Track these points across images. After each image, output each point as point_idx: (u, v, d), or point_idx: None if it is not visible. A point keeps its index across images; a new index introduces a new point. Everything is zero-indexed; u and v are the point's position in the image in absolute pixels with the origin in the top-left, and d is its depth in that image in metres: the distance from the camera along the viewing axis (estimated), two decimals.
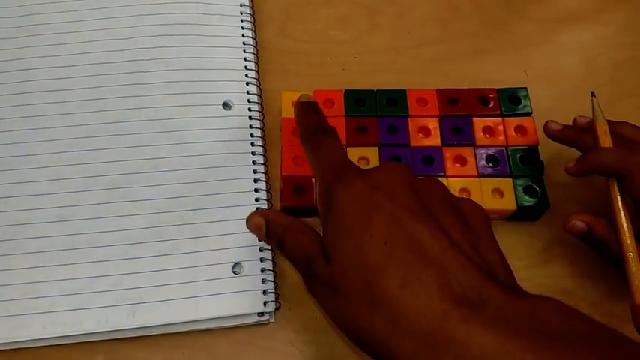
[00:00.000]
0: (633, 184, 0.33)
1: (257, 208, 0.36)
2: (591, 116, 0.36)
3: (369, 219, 0.25)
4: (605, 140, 0.34)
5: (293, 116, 0.38)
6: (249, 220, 0.32)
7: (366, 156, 0.38)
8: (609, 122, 0.35)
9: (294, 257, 0.29)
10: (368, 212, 0.26)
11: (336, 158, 0.30)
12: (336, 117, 0.39)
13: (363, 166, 0.37)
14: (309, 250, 0.28)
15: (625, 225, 0.33)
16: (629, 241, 0.32)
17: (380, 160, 0.38)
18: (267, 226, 0.31)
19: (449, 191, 0.28)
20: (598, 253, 0.34)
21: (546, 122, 0.38)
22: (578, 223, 0.34)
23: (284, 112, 0.39)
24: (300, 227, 0.30)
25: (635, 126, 0.36)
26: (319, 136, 0.31)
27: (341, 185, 0.27)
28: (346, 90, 0.39)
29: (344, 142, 0.38)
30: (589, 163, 0.34)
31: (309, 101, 0.35)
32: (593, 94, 0.36)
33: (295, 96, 0.39)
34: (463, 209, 0.28)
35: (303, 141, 0.33)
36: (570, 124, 0.41)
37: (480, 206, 0.28)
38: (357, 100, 0.39)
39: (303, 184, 0.36)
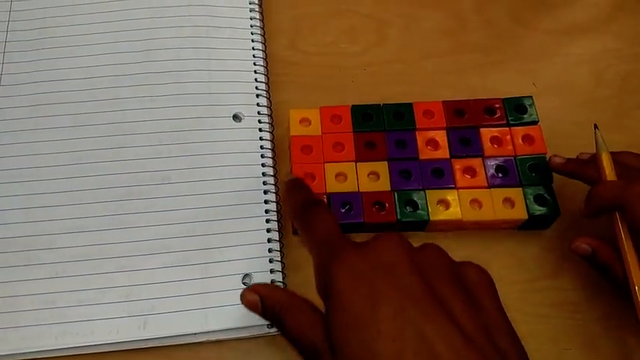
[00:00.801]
0: (631, 216, 0.32)
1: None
2: (594, 148, 0.36)
3: (375, 311, 0.24)
4: (609, 172, 0.34)
5: (302, 134, 0.38)
6: (242, 297, 0.30)
7: (375, 171, 0.38)
8: (612, 153, 0.35)
9: (297, 341, 0.28)
10: (372, 302, 0.24)
11: (329, 232, 0.29)
12: (344, 133, 0.39)
13: (373, 181, 0.38)
14: (312, 336, 0.27)
15: (631, 257, 0.32)
16: (634, 274, 0.32)
17: (390, 176, 0.38)
18: (263, 304, 0.29)
19: (449, 258, 0.28)
20: (602, 275, 0.34)
21: (550, 157, 0.38)
22: (583, 246, 0.34)
23: (292, 130, 0.39)
24: (299, 306, 0.28)
25: (638, 154, 0.35)
26: (308, 210, 0.31)
27: (338, 265, 0.26)
28: (353, 105, 0.40)
29: (353, 157, 0.38)
30: (593, 201, 0.34)
31: (293, 178, 0.35)
32: (595, 126, 0.36)
33: (303, 114, 0.39)
34: (467, 279, 0.27)
35: (294, 220, 0.32)
36: (579, 135, 0.41)
37: (484, 271, 0.28)
38: (364, 115, 0.39)
39: None
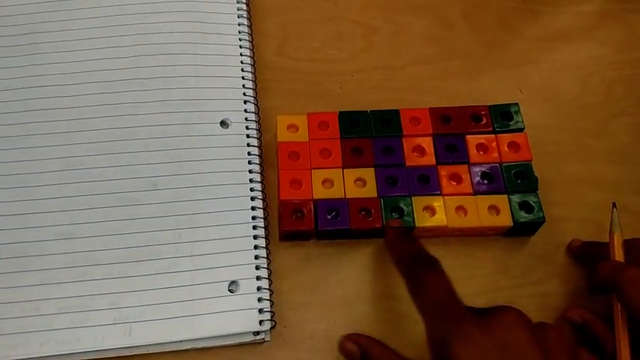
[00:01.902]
0: (620, 299, 0.32)
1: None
2: (609, 226, 0.36)
3: None
4: (617, 252, 0.34)
5: (289, 140, 0.38)
6: (342, 345, 0.32)
7: (362, 177, 0.38)
8: (625, 241, 0.35)
9: None
10: None
11: (444, 297, 0.28)
12: (331, 139, 0.39)
13: (359, 187, 0.38)
14: None
15: (623, 338, 0.32)
16: (623, 356, 0.32)
17: (376, 182, 0.38)
18: (363, 356, 0.30)
19: (572, 339, 0.29)
20: (591, 347, 0.34)
21: (570, 242, 0.38)
22: (576, 317, 0.35)
23: (280, 136, 0.39)
24: None
25: None
26: (421, 269, 0.30)
27: (461, 341, 0.26)
28: (340, 112, 0.40)
29: (340, 164, 0.38)
30: (593, 277, 0.34)
31: (400, 226, 0.36)
32: (614, 205, 0.36)
33: (290, 120, 0.39)
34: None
35: (400, 270, 0.33)
36: (564, 140, 0.42)
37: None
38: (351, 122, 0.40)
39: (302, 208, 0.37)
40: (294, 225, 0.36)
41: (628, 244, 0.35)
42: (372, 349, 0.30)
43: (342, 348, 0.32)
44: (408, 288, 0.31)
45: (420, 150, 0.39)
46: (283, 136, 0.39)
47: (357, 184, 0.38)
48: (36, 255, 0.35)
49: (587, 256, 0.38)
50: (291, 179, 0.37)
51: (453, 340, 0.26)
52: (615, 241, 0.34)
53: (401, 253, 0.33)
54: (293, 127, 0.39)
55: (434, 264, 0.31)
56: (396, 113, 0.40)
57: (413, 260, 0.32)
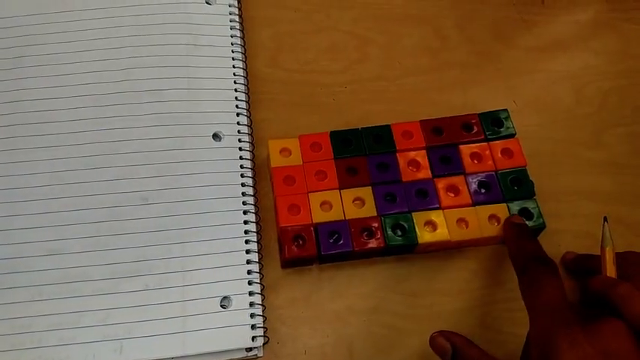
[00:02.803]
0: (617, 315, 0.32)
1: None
2: (601, 240, 0.35)
3: None
4: (609, 267, 0.34)
5: (283, 164, 0.38)
6: (433, 340, 0.31)
7: (360, 196, 0.37)
8: (617, 254, 0.35)
9: None
10: None
11: (555, 300, 0.29)
12: (325, 160, 0.38)
13: (358, 207, 0.37)
14: None
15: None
16: None
17: (375, 201, 0.37)
18: (455, 355, 0.30)
19: None
20: None
21: (563, 254, 0.38)
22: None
23: (273, 161, 0.38)
24: None
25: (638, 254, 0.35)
26: (537, 269, 0.31)
27: (567, 345, 0.26)
28: (332, 132, 0.39)
29: (336, 185, 0.38)
30: (588, 291, 0.34)
31: (523, 224, 0.36)
32: (605, 219, 0.36)
33: (283, 144, 0.39)
34: None
35: (516, 267, 0.33)
36: (559, 151, 0.42)
37: None
38: (343, 141, 0.39)
39: (302, 234, 0.36)
40: (297, 252, 0.36)
41: (622, 257, 0.35)
42: (468, 350, 0.30)
43: (433, 343, 0.31)
44: (521, 285, 0.31)
45: (415, 164, 0.39)
46: (277, 161, 0.38)
47: (355, 204, 0.37)
48: (25, 271, 0.35)
49: (580, 269, 0.38)
50: (289, 205, 0.37)
51: (560, 343, 0.26)
52: (607, 256, 0.34)
53: (520, 250, 0.33)
54: (286, 151, 0.39)
55: (551, 266, 0.31)
56: (387, 128, 0.40)
57: (531, 259, 0.32)
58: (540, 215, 0.37)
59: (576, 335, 0.27)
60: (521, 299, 0.37)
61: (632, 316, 0.31)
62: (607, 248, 0.34)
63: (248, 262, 0.36)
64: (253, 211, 0.38)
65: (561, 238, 0.39)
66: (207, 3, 0.44)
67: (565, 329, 0.27)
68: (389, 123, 0.40)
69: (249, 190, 0.38)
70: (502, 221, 0.37)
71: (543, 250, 0.33)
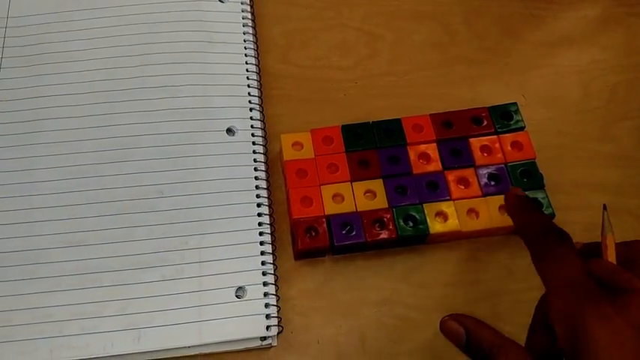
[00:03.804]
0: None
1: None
2: (601, 228, 0.35)
3: None
4: (611, 253, 0.34)
5: (295, 158, 0.39)
6: (444, 324, 0.29)
7: (372, 189, 0.38)
8: (624, 243, 0.34)
9: None
10: None
11: (575, 273, 0.27)
12: (336, 153, 0.39)
13: (369, 199, 0.38)
14: None
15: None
16: None
17: (386, 193, 0.38)
18: (470, 338, 0.28)
19: None
20: None
21: None
22: None
23: (285, 155, 0.39)
24: (513, 349, 0.27)
25: None
26: (552, 242, 0.29)
27: (597, 321, 0.25)
28: (343, 125, 0.40)
29: (348, 177, 0.38)
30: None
31: (526, 196, 0.34)
32: (605, 207, 0.35)
33: (295, 138, 0.40)
34: None
35: (526, 241, 0.30)
36: (567, 145, 0.43)
37: None
38: (354, 135, 0.40)
39: (315, 225, 0.37)
40: (310, 243, 0.36)
41: (628, 245, 0.35)
42: (481, 332, 0.28)
43: (444, 327, 0.30)
44: (535, 261, 0.29)
45: (426, 157, 0.39)
46: (289, 154, 0.39)
47: (367, 196, 0.38)
48: (45, 262, 0.36)
49: (588, 257, 0.38)
50: (301, 197, 0.38)
51: (590, 318, 0.25)
52: (607, 243, 0.35)
53: (527, 223, 0.31)
54: (298, 145, 0.39)
55: (565, 237, 0.29)
56: (397, 122, 0.40)
57: (542, 231, 0.30)
58: (550, 205, 0.38)
59: (605, 309, 0.25)
60: (531, 290, 0.38)
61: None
62: (608, 235, 0.35)
63: (262, 253, 0.37)
64: (267, 203, 0.39)
65: (571, 230, 0.39)
66: (219, 1, 0.45)
67: (593, 303, 0.25)
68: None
69: (263, 184, 0.39)
70: None
71: (553, 223, 0.31)
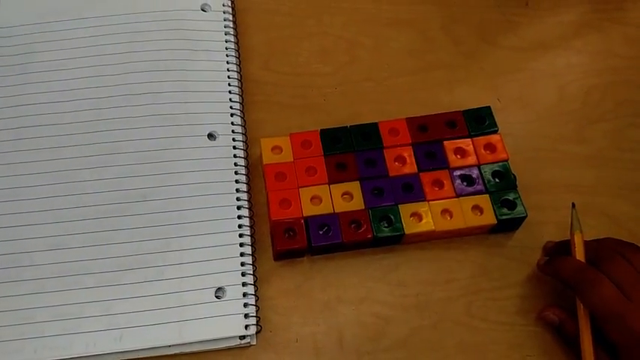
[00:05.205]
0: (580, 298, 0.34)
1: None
2: (570, 226, 0.37)
3: None
4: (578, 251, 0.36)
5: (275, 161, 0.40)
6: (542, 313, 0.37)
7: (349, 191, 0.39)
8: (596, 240, 0.37)
9: None
10: None
11: (611, 295, 0.33)
12: (315, 157, 0.40)
13: (347, 201, 0.39)
14: None
15: (587, 336, 0.34)
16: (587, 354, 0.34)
17: (363, 194, 0.39)
18: (564, 327, 0.36)
19: None
20: (566, 344, 0.37)
21: (537, 261, 0.39)
22: (551, 316, 0.37)
23: (265, 158, 0.40)
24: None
25: (616, 240, 0.36)
26: (585, 275, 0.34)
27: None
28: (321, 130, 0.41)
29: (326, 180, 0.39)
30: (552, 268, 0.37)
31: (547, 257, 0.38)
32: (573, 205, 0.37)
33: (274, 142, 0.41)
34: None
35: (573, 283, 0.35)
36: (543, 147, 0.44)
37: None
38: (333, 138, 0.41)
39: (293, 227, 0.38)
40: (288, 244, 0.37)
41: (599, 242, 0.36)
42: (566, 325, 0.36)
43: (543, 316, 0.37)
44: (578, 295, 0.35)
45: (402, 159, 0.40)
46: (268, 158, 0.40)
47: (344, 198, 0.39)
48: (28, 265, 0.37)
49: (561, 255, 0.39)
50: (280, 199, 0.38)
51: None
52: (576, 240, 0.36)
53: (570, 267, 0.36)
54: (277, 149, 0.40)
55: (594, 272, 0.34)
56: (374, 126, 0.41)
57: (578, 270, 0.35)
58: (522, 205, 0.39)
59: None
60: (505, 288, 0.39)
61: (590, 304, 0.33)
62: (576, 233, 0.36)
63: (242, 254, 0.38)
64: (247, 206, 0.39)
65: (545, 230, 0.41)
66: (202, 10, 0.46)
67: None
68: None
69: (243, 187, 0.40)
70: (485, 211, 0.39)
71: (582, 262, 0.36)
